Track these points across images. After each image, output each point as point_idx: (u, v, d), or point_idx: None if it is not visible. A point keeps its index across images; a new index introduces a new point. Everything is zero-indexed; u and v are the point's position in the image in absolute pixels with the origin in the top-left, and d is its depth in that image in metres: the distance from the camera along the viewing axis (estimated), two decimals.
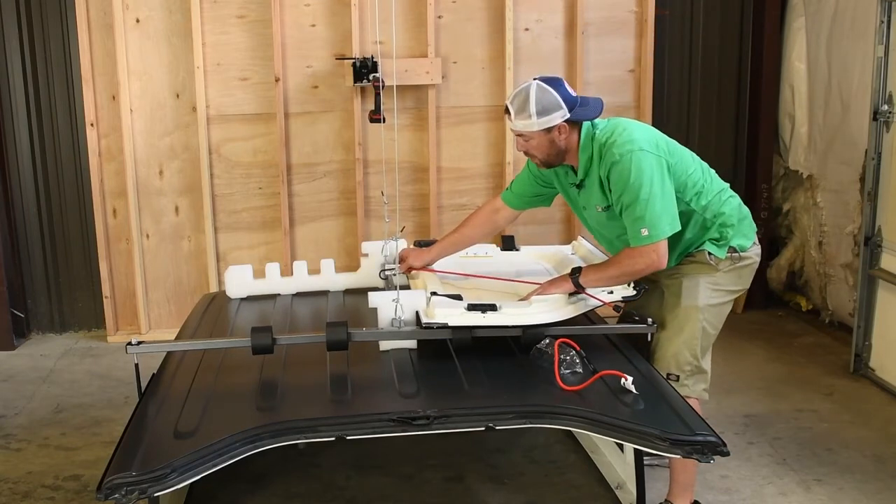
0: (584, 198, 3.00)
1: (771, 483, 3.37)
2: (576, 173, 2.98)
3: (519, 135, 2.91)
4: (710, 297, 2.93)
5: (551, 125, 2.83)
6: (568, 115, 2.83)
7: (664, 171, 2.79)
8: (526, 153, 2.96)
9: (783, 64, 5.23)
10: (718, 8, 5.33)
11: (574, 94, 2.87)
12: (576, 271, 2.86)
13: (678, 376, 2.92)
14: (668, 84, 5.33)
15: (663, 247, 2.78)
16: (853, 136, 4.62)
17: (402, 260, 3.31)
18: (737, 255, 2.92)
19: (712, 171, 3.02)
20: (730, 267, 2.93)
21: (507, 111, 2.89)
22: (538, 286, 2.93)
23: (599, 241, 3.19)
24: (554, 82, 2.87)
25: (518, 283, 3.16)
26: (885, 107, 4.15)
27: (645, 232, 2.74)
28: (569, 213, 5.17)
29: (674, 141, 2.96)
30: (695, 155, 3.00)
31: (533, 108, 2.81)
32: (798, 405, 4.08)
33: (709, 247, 2.90)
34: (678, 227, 2.80)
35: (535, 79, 2.88)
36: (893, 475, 3.41)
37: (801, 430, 3.81)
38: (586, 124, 2.90)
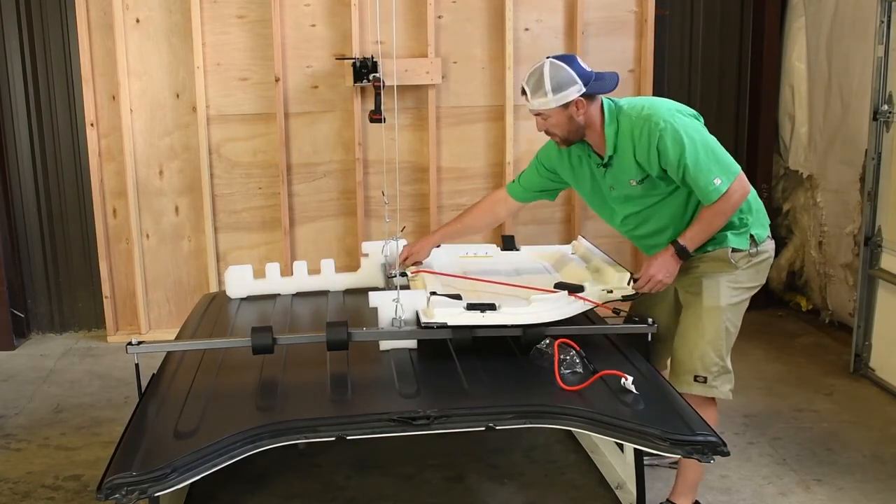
0: (612, 176, 2.94)
1: (771, 483, 3.37)
2: (599, 155, 2.94)
3: (537, 114, 2.89)
4: (731, 295, 2.90)
5: (568, 101, 2.81)
6: (584, 90, 2.82)
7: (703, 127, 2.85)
8: (546, 132, 2.95)
9: (783, 64, 5.23)
10: (718, 8, 5.33)
11: (589, 69, 2.86)
12: (674, 243, 2.82)
13: (706, 378, 2.90)
14: (668, 84, 5.32)
15: (741, 179, 2.80)
16: (853, 136, 4.62)
17: (404, 258, 3.32)
18: (755, 249, 2.90)
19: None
20: (748, 264, 2.91)
21: (523, 92, 2.89)
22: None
23: (615, 226, 3.09)
24: (567, 59, 2.86)
25: (519, 287, 3.14)
26: (885, 107, 4.14)
27: (718, 181, 2.75)
28: (569, 212, 5.16)
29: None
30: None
31: (548, 85, 2.80)
32: (798, 405, 4.08)
33: (731, 239, 2.86)
34: (739, 167, 2.82)
35: (548, 57, 2.87)
36: (893, 475, 3.41)
37: (801, 430, 3.81)
38: (607, 100, 2.90)
